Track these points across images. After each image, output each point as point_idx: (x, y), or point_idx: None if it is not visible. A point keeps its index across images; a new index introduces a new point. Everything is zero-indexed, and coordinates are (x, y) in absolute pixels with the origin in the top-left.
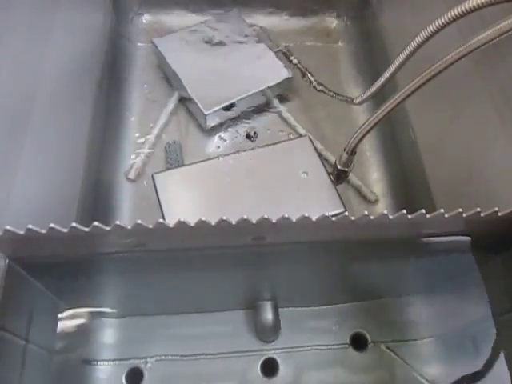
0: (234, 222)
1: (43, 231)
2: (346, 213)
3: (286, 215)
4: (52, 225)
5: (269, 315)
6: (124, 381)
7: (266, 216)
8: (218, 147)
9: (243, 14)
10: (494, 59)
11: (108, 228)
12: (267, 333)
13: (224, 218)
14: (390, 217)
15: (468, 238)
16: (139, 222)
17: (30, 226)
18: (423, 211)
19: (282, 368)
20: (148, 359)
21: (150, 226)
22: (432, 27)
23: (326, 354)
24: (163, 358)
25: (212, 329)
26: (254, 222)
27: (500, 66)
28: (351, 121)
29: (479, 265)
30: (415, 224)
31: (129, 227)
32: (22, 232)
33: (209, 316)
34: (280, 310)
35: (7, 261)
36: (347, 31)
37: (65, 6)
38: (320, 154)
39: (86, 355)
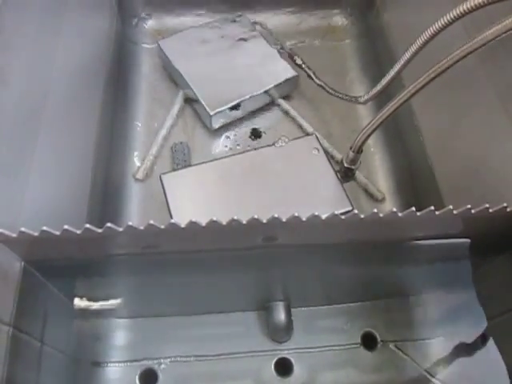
0: (244, 222)
1: (57, 233)
2: (355, 211)
3: (296, 214)
4: (66, 226)
5: (281, 316)
6: (138, 382)
7: (276, 215)
8: (225, 147)
9: (247, 13)
10: (501, 56)
11: (121, 229)
12: (280, 333)
13: (235, 217)
14: (399, 214)
15: (472, 239)
16: (151, 222)
17: (44, 228)
18: (432, 208)
19: (296, 368)
20: (162, 360)
21: (162, 227)
22: (438, 25)
23: (338, 353)
24: (178, 359)
25: (225, 329)
26: (264, 221)
27: (507, 63)
28: (357, 119)
29: (480, 265)
30: (423, 222)
31: (141, 228)
32: (36, 234)
33: (221, 317)
34: (292, 309)
35: (22, 263)
36: (352, 30)
37: (72, 10)
38: (327, 153)
39: (99, 356)
